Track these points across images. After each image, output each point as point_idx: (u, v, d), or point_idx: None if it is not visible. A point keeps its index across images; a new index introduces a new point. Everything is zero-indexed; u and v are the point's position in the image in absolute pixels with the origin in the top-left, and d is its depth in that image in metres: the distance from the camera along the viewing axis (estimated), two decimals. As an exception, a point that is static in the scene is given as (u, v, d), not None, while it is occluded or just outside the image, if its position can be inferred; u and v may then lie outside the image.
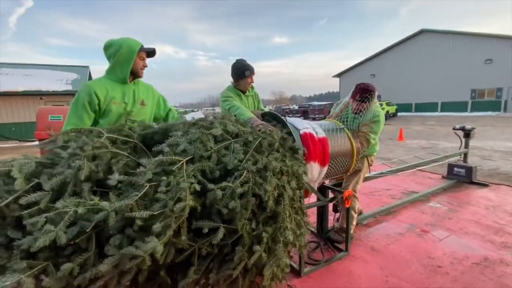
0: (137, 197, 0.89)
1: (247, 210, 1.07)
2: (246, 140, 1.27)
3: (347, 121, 2.27)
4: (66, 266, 0.78)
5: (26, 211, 0.84)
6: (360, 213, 2.74)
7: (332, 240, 2.34)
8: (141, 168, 1.01)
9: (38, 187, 0.92)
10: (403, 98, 23.93)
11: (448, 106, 21.97)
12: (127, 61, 1.59)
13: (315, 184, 1.92)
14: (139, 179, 0.96)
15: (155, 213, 0.87)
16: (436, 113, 22.08)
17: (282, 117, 1.85)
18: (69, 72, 16.46)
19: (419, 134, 10.23)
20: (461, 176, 4.06)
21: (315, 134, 1.85)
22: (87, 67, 17.85)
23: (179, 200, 0.91)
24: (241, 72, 2.25)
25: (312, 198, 2.19)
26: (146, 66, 1.71)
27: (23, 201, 0.85)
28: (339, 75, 30.15)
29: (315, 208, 2.35)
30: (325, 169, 1.88)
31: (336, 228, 2.42)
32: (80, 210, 0.81)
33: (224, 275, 1.06)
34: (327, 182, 2.38)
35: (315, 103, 23.48)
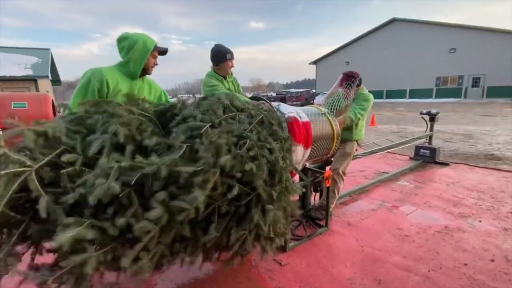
0: (179, 154, 0.97)
1: (263, 171, 1.17)
2: (250, 114, 1.38)
3: (338, 105, 2.47)
4: (121, 221, 0.86)
5: (63, 170, 0.89)
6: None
7: (313, 218, 2.52)
8: (173, 134, 1.09)
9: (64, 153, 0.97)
10: (375, 85, 24.91)
11: (415, 93, 23.29)
12: (141, 58, 1.62)
13: (299, 166, 2.04)
14: (174, 142, 1.04)
15: (198, 169, 0.96)
16: (405, 100, 23.35)
17: (268, 102, 1.92)
18: (28, 55, 14.99)
19: (390, 120, 10.85)
20: (426, 157, 4.45)
21: (299, 118, 1.95)
22: (48, 49, 16.37)
23: (218, 155, 1.01)
24: (223, 55, 2.26)
25: (295, 179, 2.32)
26: (157, 64, 1.76)
27: (64, 158, 0.91)
28: (315, 62, 30.53)
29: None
30: (308, 151, 2.00)
31: (317, 206, 2.59)
32: (124, 164, 0.88)
33: (239, 235, 1.17)
34: (307, 164, 2.52)
35: (293, 90, 23.78)
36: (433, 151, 4.38)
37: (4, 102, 5.58)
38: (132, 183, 0.87)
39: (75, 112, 1.22)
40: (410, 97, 23.57)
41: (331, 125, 2.20)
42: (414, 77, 23.11)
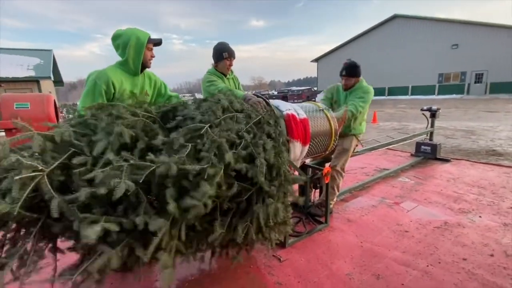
0: (186, 153, 1.01)
1: (263, 167, 1.20)
2: (248, 115, 1.41)
3: (340, 100, 2.48)
4: (139, 219, 0.90)
5: (76, 170, 0.94)
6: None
7: (313, 214, 2.52)
8: (173, 135, 1.12)
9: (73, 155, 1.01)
10: (377, 82, 24.75)
11: (417, 90, 23.14)
12: (138, 54, 1.63)
13: (298, 162, 2.04)
14: (177, 143, 1.07)
15: (204, 166, 1.00)
16: (407, 97, 23.22)
17: (266, 99, 1.93)
18: (30, 56, 15.10)
19: (391, 117, 10.81)
20: (427, 153, 4.43)
21: (297, 115, 1.95)
22: (50, 50, 16.47)
23: (221, 153, 1.06)
24: (220, 53, 2.30)
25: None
26: (153, 56, 1.77)
27: (75, 160, 0.96)
28: (316, 59, 30.41)
29: (297, 185, 2.51)
30: (307, 148, 2.00)
31: (317, 203, 2.60)
32: (133, 162, 0.93)
33: (243, 226, 1.22)
34: (307, 161, 2.53)
35: (294, 88, 23.75)
36: (434, 147, 4.37)
37: (7, 103, 5.60)
38: (141, 180, 0.92)
39: (82, 115, 1.25)
40: (412, 94, 23.42)
41: (329, 121, 2.20)
42: (416, 74, 22.95)
